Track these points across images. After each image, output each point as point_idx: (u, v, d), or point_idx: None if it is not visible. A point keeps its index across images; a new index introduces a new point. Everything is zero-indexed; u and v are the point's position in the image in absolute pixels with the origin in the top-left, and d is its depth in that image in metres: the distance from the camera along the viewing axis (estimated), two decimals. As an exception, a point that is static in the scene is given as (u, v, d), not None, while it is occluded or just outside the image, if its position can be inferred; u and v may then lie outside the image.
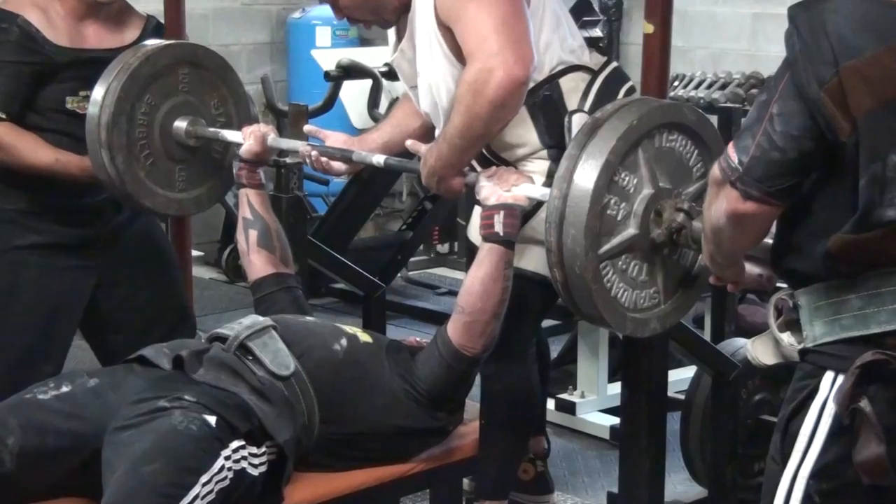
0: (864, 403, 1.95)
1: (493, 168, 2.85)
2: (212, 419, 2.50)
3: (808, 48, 1.96)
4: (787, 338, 2.14)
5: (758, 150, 1.98)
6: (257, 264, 3.11)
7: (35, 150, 3.30)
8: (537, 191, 2.75)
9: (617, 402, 3.20)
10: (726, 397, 3.36)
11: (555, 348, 4.41)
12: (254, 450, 2.54)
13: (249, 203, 3.16)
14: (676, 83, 6.70)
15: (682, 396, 3.78)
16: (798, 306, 2.09)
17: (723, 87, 6.53)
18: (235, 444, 2.51)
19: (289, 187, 3.44)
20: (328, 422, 2.68)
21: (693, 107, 2.64)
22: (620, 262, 2.47)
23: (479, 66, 2.69)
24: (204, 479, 2.43)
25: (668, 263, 2.55)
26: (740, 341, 3.67)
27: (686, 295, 2.61)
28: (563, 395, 4.37)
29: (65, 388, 2.61)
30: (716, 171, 2.06)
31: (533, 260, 2.95)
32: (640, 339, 2.81)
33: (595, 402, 4.37)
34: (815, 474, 2.01)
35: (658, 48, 3.44)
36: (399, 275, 6.08)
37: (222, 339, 2.69)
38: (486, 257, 2.75)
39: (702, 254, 2.34)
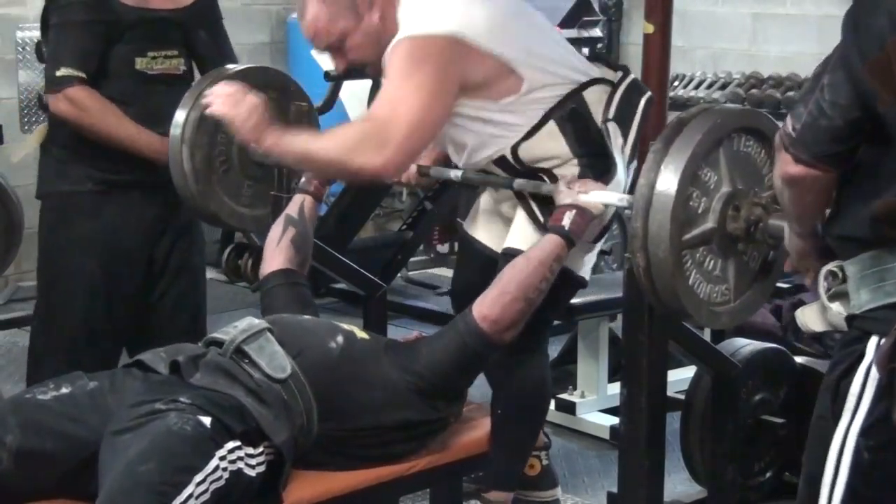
0: None
1: (572, 175, 2.98)
2: (206, 420, 2.51)
3: (861, 23, 2.06)
4: (836, 307, 2.26)
5: (809, 118, 2.12)
6: (279, 258, 3.13)
7: (119, 120, 3.38)
8: (613, 197, 2.90)
9: (617, 402, 3.20)
10: (726, 397, 3.36)
11: (555, 348, 4.41)
12: (250, 450, 2.55)
13: (302, 207, 3.22)
14: (676, 83, 6.69)
15: (682, 396, 3.78)
16: (847, 277, 2.20)
17: (723, 87, 6.53)
18: (231, 444, 2.51)
19: (289, 187, 3.44)
20: (327, 419, 2.68)
21: (769, 116, 2.80)
22: (698, 255, 2.64)
23: (365, 132, 2.85)
24: (198, 478, 2.44)
25: (741, 263, 2.73)
26: (740, 341, 3.68)
27: (754, 296, 2.78)
28: (563, 395, 4.37)
29: (64, 390, 2.61)
30: (776, 138, 2.21)
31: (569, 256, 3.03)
32: (640, 339, 2.84)
33: (595, 402, 4.37)
34: (864, 432, 2.13)
35: (658, 48, 3.46)
36: (399, 275, 6.08)
37: (218, 343, 2.69)
38: (545, 243, 2.87)
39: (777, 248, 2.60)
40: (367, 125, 2.88)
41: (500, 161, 3.12)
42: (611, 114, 3.03)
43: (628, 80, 3.10)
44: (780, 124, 2.24)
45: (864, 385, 2.13)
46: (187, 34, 3.56)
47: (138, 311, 3.61)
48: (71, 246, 3.52)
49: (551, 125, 3.02)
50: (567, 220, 2.87)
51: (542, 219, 3.08)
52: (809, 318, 2.39)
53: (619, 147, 3.06)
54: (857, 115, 2.09)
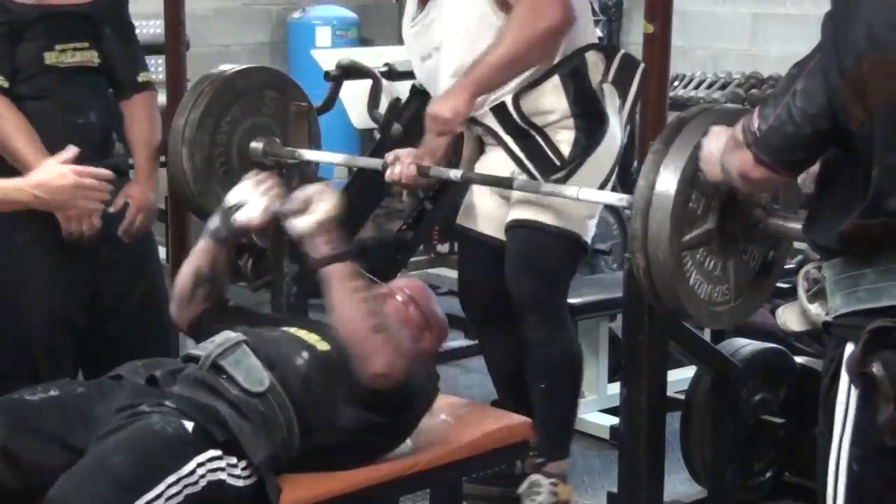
0: (876, 368, 2.02)
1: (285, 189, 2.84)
2: (189, 425, 2.51)
3: (838, 33, 2.02)
4: (814, 308, 2.24)
5: (776, 121, 2.09)
6: (192, 310, 2.91)
7: (29, 142, 3.27)
8: (613, 197, 2.95)
9: (617, 402, 3.20)
10: (726, 397, 3.36)
11: (555, 348, 4.40)
12: (233, 460, 2.53)
13: (216, 260, 2.90)
14: (676, 83, 6.69)
15: (682, 396, 3.78)
16: (824, 278, 2.18)
17: (723, 87, 6.53)
18: (212, 453, 2.50)
19: (290, 187, 3.44)
20: (304, 433, 2.67)
21: None
22: (698, 255, 2.64)
23: (530, 5, 3.06)
24: (170, 479, 2.42)
25: (741, 263, 2.72)
26: (740, 341, 3.68)
27: (754, 295, 2.77)
28: (563, 395, 4.37)
29: (53, 393, 2.61)
30: (738, 128, 2.17)
31: (552, 213, 3.20)
32: (640, 339, 2.83)
33: (595, 402, 4.37)
34: (853, 442, 2.09)
35: (658, 48, 3.45)
36: (399, 275, 6.07)
37: (195, 359, 2.68)
38: (329, 284, 2.65)
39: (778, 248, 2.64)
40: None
41: (499, 109, 3.19)
42: (609, 77, 3.22)
43: (622, 51, 3.32)
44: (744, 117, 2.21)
45: (848, 394, 2.09)
46: (97, 28, 3.47)
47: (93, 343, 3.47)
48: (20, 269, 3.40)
49: (555, 79, 3.15)
50: (319, 248, 2.65)
51: (535, 172, 3.22)
52: (789, 317, 2.38)
53: (616, 108, 3.26)
54: (826, 125, 2.05)
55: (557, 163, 3.23)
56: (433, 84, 3.43)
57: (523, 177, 3.25)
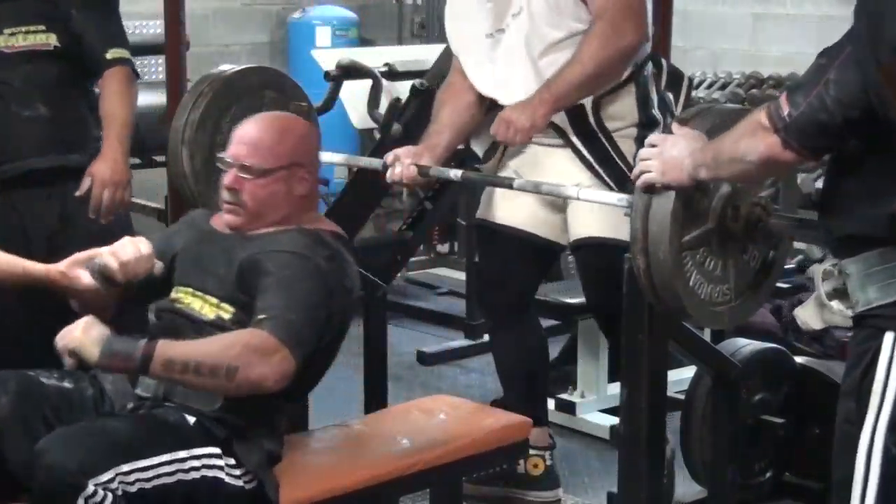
0: None
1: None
2: (191, 419, 2.55)
3: (873, 26, 2.06)
4: (836, 305, 2.26)
5: (808, 108, 2.13)
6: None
7: None
8: (613, 197, 2.93)
9: (617, 402, 3.20)
10: (726, 397, 3.36)
11: (555, 348, 4.41)
12: (231, 461, 2.55)
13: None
14: (676, 83, 6.69)
15: (682, 396, 3.78)
16: (847, 275, 2.21)
17: (723, 87, 6.52)
18: (211, 450, 2.53)
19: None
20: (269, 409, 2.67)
21: None
22: (699, 255, 2.64)
23: (610, 23, 3.10)
24: (165, 458, 2.46)
25: (741, 263, 2.73)
26: (740, 341, 3.67)
27: (754, 295, 2.79)
28: (563, 395, 4.37)
29: (66, 385, 2.64)
30: (762, 115, 2.21)
31: (612, 226, 3.17)
32: (640, 339, 2.83)
33: (595, 402, 4.36)
34: (892, 427, 2.15)
35: (658, 48, 3.45)
36: (399, 275, 6.07)
37: (145, 399, 2.65)
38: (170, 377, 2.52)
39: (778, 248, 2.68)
40: (605, 18, 3.15)
41: (574, 110, 3.23)
42: (663, 84, 3.28)
43: (667, 63, 3.36)
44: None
45: (886, 382, 2.15)
46: (59, 10, 3.36)
47: None
48: None
49: (631, 87, 3.19)
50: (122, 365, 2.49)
51: (600, 170, 3.27)
52: (808, 316, 2.41)
53: (672, 115, 3.27)
54: (857, 115, 2.10)
55: (626, 170, 3.19)
56: (496, 64, 3.33)
57: (585, 181, 3.23)
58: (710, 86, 6.60)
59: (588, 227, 3.33)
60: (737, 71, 6.61)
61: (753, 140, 2.24)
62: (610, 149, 3.27)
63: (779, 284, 2.93)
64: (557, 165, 3.33)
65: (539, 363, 3.70)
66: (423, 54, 5.96)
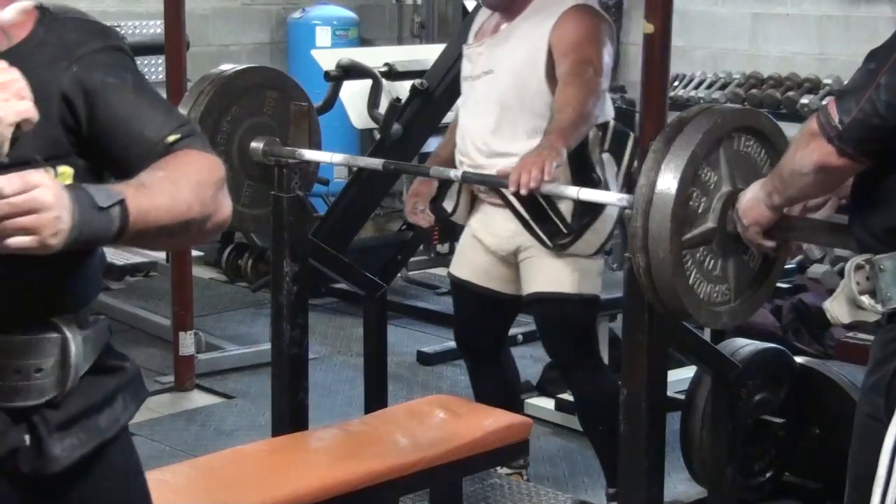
0: None
1: None
2: None
3: None
4: (867, 300, 2.27)
5: (860, 114, 2.15)
6: None
7: None
8: (613, 196, 2.96)
9: (617, 402, 3.21)
10: (726, 397, 3.35)
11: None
12: None
13: None
14: (676, 83, 6.70)
15: (682, 396, 3.78)
16: (881, 270, 2.22)
17: (723, 87, 6.53)
18: None
19: (290, 187, 3.44)
20: None
21: (769, 116, 2.81)
22: (699, 254, 2.64)
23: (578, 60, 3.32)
24: None
25: (741, 263, 2.72)
26: (740, 341, 3.68)
27: (754, 295, 2.78)
28: (563, 395, 4.37)
29: None
30: (813, 124, 2.22)
31: (569, 279, 3.43)
32: (640, 339, 2.84)
33: (595, 402, 4.36)
34: None
35: (658, 48, 3.45)
36: (399, 275, 6.07)
37: None
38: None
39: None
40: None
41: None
42: (606, 146, 3.40)
43: (612, 123, 3.48)
44: (817, 113, 2.26)
45: None
46: None
47: None
48: None
49: (563, 152, 3.19)
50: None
51: (546, 239, 3.42)
52: (838, 310, 2.40)
53: (614, 175, 3.43)
54: None
55: (562, 227, 3.39)
56: (470, 106, 3.54)
57: (526, 236, 3.45)
58: (710, 86, 6.60)
59: (538, 283, 3.50)
60: (737, 71, 6.62)
61: (807, 151, 2.25)
62: (547, 208, 3.38)
63: (779, 284, 2.93)
64: (502, 223, 3.52)
65: (514, 394, 3.88)
66: (423, 54, 5.97)
